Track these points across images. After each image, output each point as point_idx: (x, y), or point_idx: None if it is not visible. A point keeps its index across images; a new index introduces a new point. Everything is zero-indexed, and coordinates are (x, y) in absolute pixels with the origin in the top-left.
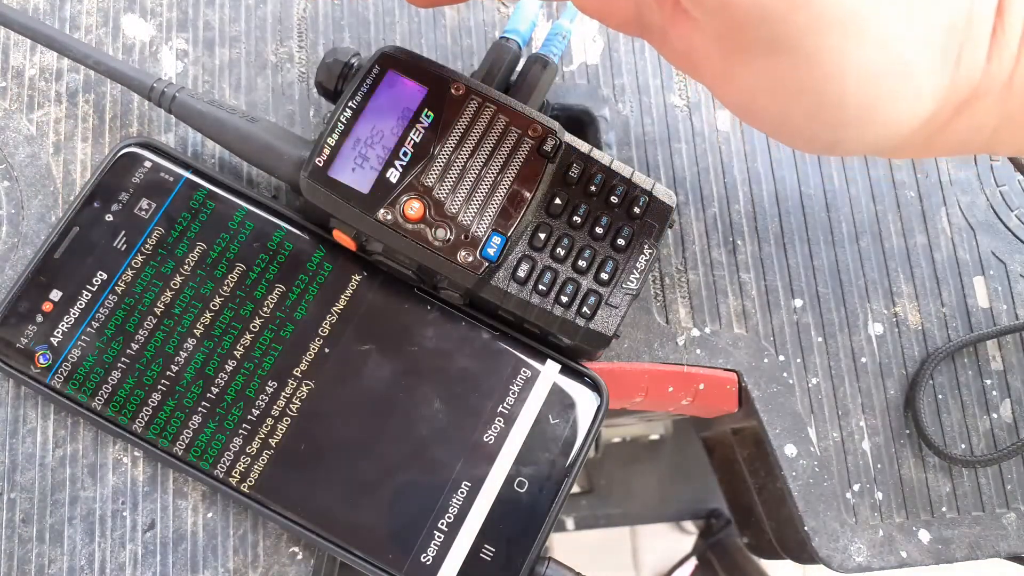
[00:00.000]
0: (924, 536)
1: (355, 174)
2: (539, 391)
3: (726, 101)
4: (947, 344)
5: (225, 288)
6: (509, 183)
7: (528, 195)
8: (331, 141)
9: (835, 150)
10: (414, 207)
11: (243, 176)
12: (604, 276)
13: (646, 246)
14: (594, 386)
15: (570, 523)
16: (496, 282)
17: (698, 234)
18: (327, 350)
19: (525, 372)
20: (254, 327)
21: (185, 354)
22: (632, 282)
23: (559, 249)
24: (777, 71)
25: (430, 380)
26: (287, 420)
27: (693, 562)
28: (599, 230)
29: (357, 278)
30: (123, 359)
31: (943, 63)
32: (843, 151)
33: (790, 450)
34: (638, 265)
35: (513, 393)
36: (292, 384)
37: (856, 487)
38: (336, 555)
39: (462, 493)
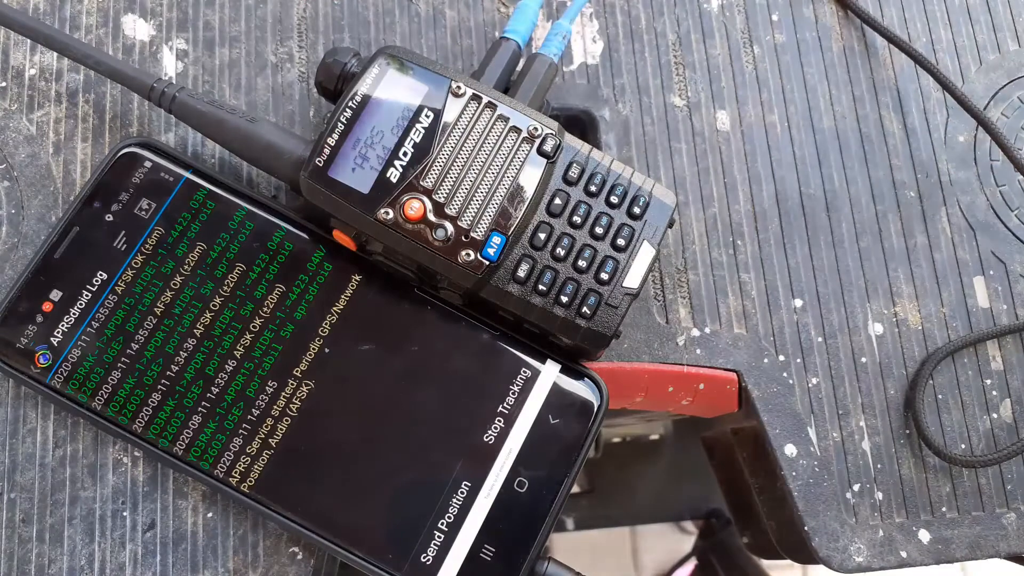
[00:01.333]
0: (924, 536)
1: (355, 174)
2: (539, 391)
3: None
4: (947, 344)
5: (225, 288)
6: (509, 183)
7: (528, 195)
8: (331, 141)
9: None
10: (414, 207)
11: (243, 176)
12: (604, 276)
13: (646, 246)
14: (594, 386)
15: (570, 523)
16: (496, 282)
17: (698, 234)
18: (327, 350)
19: (525, 372)
20: (254, 327)
21: (185, 354)
22: (632, 282)
23: (559, 249)
24: None
25: (430, 380)
26: (287, 420)
27: (693, 562)
28: (599, 230)
29: (357, 278)
30: (123, 359)
31: None
32: None
33: (790, 450)
34: (638, 265)
35: (513, 393)
36: (292, 384)
37: (856, 487)
38: (336, 555)
39: (462, 493)
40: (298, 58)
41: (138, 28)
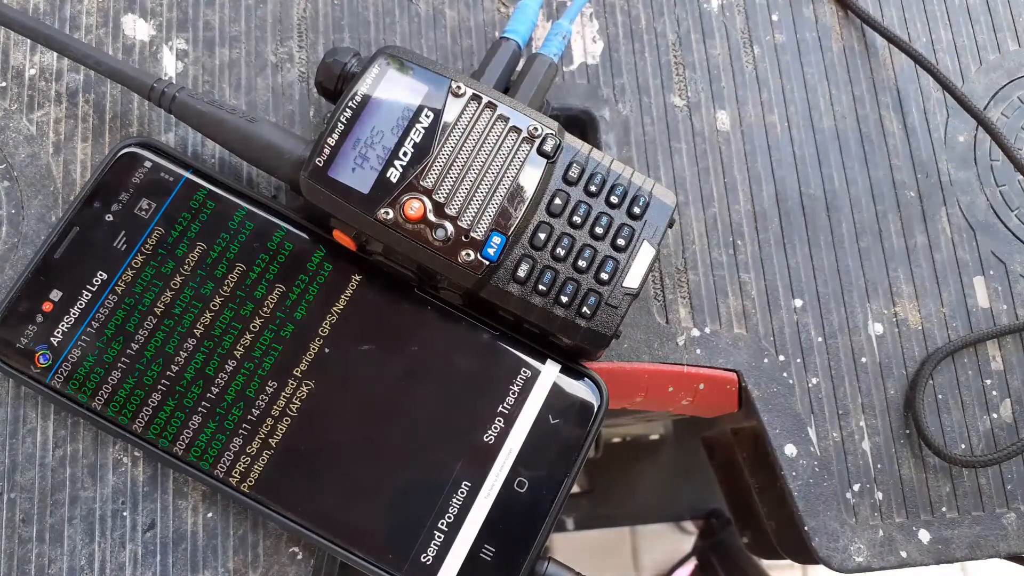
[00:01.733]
0: (924, 536)
1: (355, 174)
2: (539, 391)
3: None
4: (947, 344)
5: (225, 288)
6: (509, 183)
7: (528, 195)
8: (331, 141)
9: None
10: (414, 207)
11: (243, 176)
12: (604, 276)
13: (646, 246)
14: (594, 386)
15: (570, 523)
16: (496, 282)
17: (698, 234)
18: (327, 350)
19: (525, 372)
20: (254, 327)
21: (185, 354)
22: (632, 282)
23: (559, 249)
24: None
25: (430, 380)
26: (287, 420)
27: (693, 562)
28: (599, 230)
29: (357, 278)
30: (123, 359)
31: None
32: None
33: (790, 450)
34: (638, 265)
35: (513, 393)
36: (292, 384)
37: (856, 487)
38: (336, 555)
39: (462, 493)
40: (298, 58)
41: (138, 28)
